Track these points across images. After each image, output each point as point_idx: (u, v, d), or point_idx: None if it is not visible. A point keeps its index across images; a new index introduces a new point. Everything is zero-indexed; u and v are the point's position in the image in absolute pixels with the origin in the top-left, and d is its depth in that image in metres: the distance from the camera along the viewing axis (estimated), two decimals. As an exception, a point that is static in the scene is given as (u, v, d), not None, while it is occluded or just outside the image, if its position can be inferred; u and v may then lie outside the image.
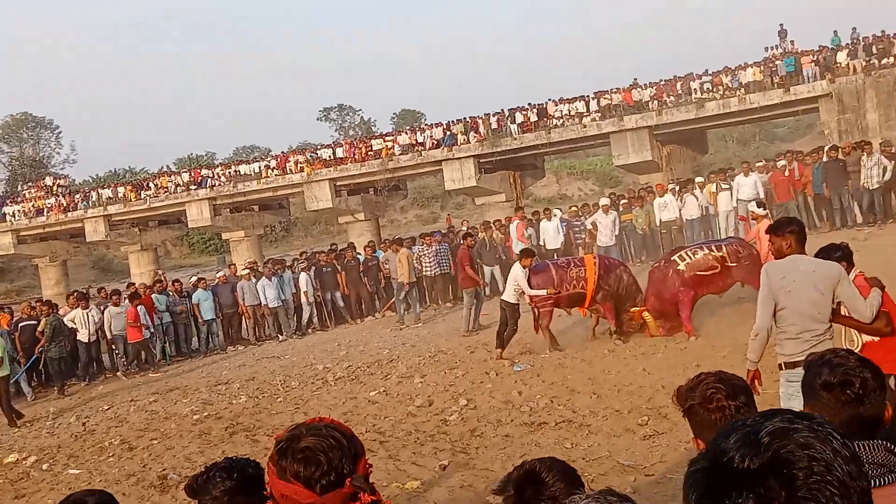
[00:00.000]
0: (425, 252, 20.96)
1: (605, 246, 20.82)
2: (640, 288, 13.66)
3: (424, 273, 20.93)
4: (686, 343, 12.37)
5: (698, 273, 12.86)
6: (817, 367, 2.49)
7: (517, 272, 13.69)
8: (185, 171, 53.29)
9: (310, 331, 20.76)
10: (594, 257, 14.30)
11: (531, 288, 13.41)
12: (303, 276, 20.69)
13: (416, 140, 42.33)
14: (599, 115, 36.88)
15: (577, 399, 10.47)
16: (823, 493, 1.12)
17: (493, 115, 39.85)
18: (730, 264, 12.82)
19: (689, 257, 13.05)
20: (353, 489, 2.14)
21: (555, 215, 22.46)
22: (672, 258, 13.34)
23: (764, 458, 1.15)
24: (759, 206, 14.28)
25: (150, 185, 51.03)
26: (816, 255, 5.90)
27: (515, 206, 37.02)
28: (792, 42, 36.34)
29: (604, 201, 22.46)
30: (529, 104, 39.66)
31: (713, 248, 13.20)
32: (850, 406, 2.32)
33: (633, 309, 13.36)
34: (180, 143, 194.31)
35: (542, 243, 21.69)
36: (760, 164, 22.47)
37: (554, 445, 8.69)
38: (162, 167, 70.67)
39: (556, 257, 20.10)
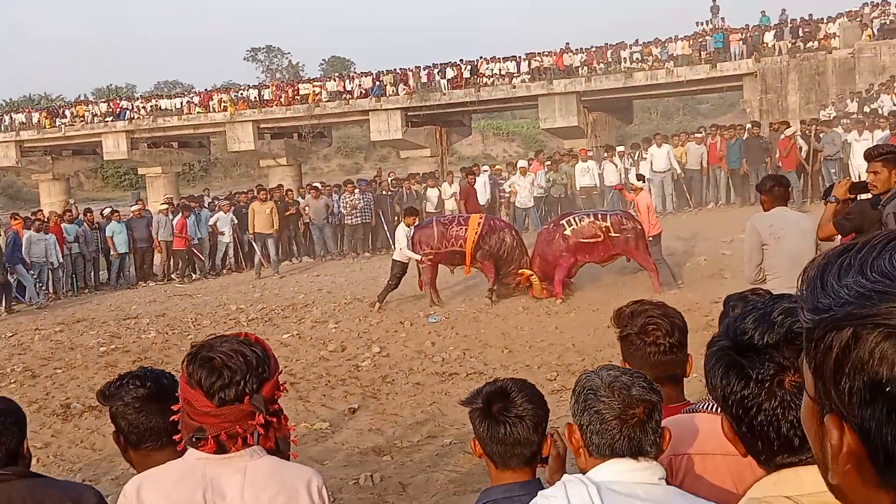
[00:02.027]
0: (347, 200, 20.83)
1: (524, 207, 21.02)
2: (526, 251, 13.82)
3: (345, 222, 20.84)
4: (598, 305, 12.59)
5: (581, 240, 13.07)
6: (734, 301, 2.64)
7: (400, 232, 13.93)
8: (104, 102, 51.68)
9: (224, 271, 20.49)
10: (480, 217, 14.39)
11: (410, 247, 13.59)
12: (221, 216, 20.34)
13: (344, 88, 41.80)
14: (529, 77, 36.98)
15: (489, 352, 10.62)
16: None
17: (424, 69, 39.60)
18: (612, 234, 12.98)
19: (576, 223, 13.24)
20: (252, 408, 2.15)
21: (483, 172, 22.51)
22: (560, 222, 13.56)
23: (779, 333, 1.29)
24: (637, 179, 14.55)
25: (67, 112, 49.36)
26: None
27: (440, 162, 37.05)
28: (723, 19, 36.97)
29: (521, 163, 22.60)
30: (461, 60, 39.53)
31: (599, 216, 13.40)
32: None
33: (519, 270, 13.52)
34: (100, 73, 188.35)
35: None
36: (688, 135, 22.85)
37: (464, 395, 8.77)
38: (79, 96, 68.66)
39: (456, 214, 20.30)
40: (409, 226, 13.81)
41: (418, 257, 13.56)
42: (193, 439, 2.20)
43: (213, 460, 2.19)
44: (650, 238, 13.22)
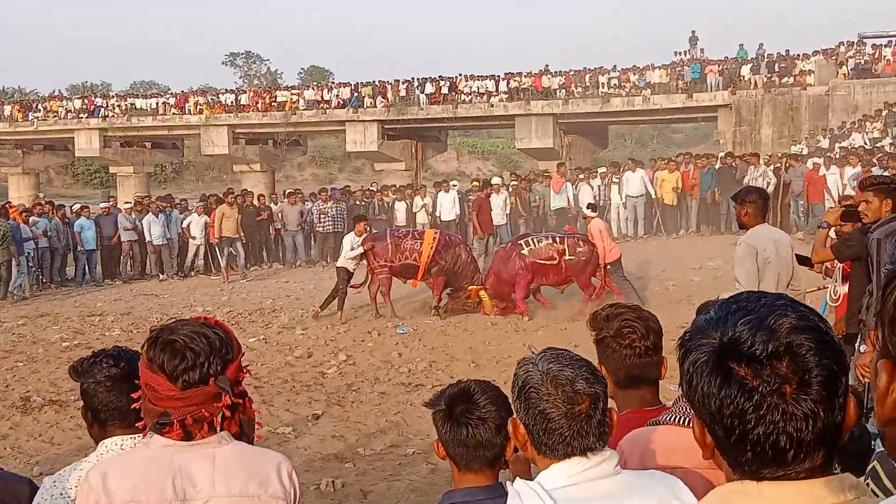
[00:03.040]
0: (321, 208, 20.81)
1: (497, 225, 21.07)
2: (479, 268, 13.99)
3: (316, 229, 20.81)
4: (567, 324, 12.64)
5: (537, 261, 13.17)
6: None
7: (347, 238, 14.08)
8: (78, 98, 51.26)
9: (192, 273, 20.33)
10: (435, 232, 14.48)
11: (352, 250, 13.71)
12: (194, 217, 20.20)
13: (322, 97, 41.77)
14: (507, 96, 37.19)
15: (455, 366, 10.62)
16: (827, 366, 1.25)
17: (403, 83, 39.67)
18: (567, 258, 13.10)
19: (534, 244, 13.36)
20: (217, 389, 2.12)
21: (453, 187, 22.57)
22: (518, 241, 13.66)
23: (781, 342, 1.25)
24: (588, 208, 14.74)
25: (40, 107, 48.91)
26: None
27: (414, 177, 37.09)
28: (701, 50, 37.41)
29: (495, 180, 22.66)
30: (441, 76, 39.64)
31: (556, 239, 13.53)
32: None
33: (470, 287, 13.58)
34: (75, 70, 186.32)
35: (437, 214, 21.78)
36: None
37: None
38: (54, 91, 67.96)
39: (448, 229, 20.35)
40: (358, 234, 13.82)
41: (357, 252, 13.59)
42: (158, 425, 2.16)
43: (181, 447, 2.16)
44: (608, 265, 13.33)
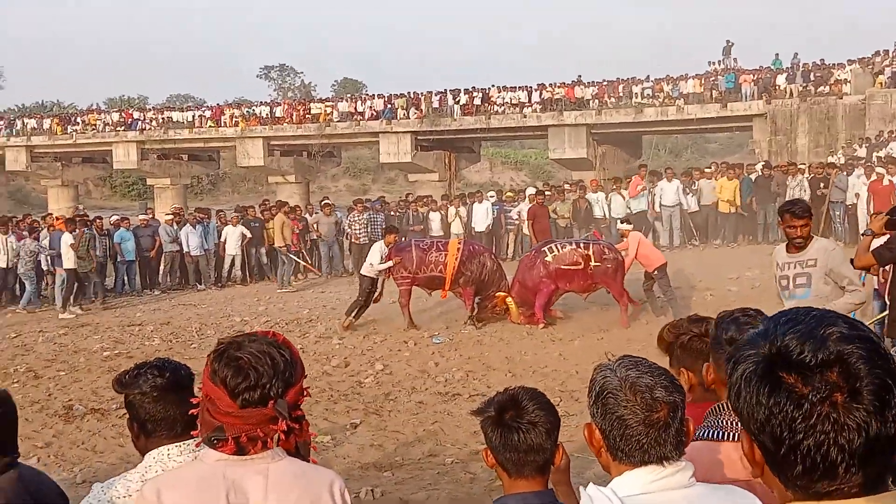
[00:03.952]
0: (356, 219, 20.89)
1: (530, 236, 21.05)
2: (505, 275, 13.90)
3: (353, 240, 20.83)
4: (603, 333, 12.61)
5: (562, 266, 13.10)
6: (725, 324, 2.60)
7: (375, 247, 14.10)
8: (116, 111, 52.00)
9: (230, 283, 20.50)
10: (459, 242, 14.47)
11: (382, 262, 13.71)
12: (230, 228, 20.40)
13: (355, 109, 42.06)
14: (541, 107, 37.18)
15: (492, 375, 10.62)
16: (879, 376, 1.23)
17: (436, 94, 39.81)
18: (593, 264, 13.01)
19: (557, 250, 13.31)
20: (274, 413, 2.10)
21: (488, 198, 22.58)
22: (542, 248, 13.61)
23: (832, 351, 1.23)
24: (622, 223, 14.70)
25: (78, 120, 49.67)
26: None
27: (448, 187, 37.16)
28: (735, 59, 37.15)
29: (530, 191, 22.65)
30: (473, 87, 39.74)
31: (581, 245, 13.49)
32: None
33: (497, 294, 13.55)
34: (113, 84, 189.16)
35: (472, 224, 21.80)
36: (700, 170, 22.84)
37: (466, 416, 8.78)
38: (92, 104, 68.88)
39: (482, 239, 20.42)
40: (387, 245, 13.86)
41: (386, 266, 13.63)
42: (212, 439, 2.15)
43: (234, 461, 2.14)
44: (654, 271, 13.27)
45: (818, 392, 1.22)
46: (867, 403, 1.20)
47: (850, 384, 1.21)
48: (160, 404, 2.63)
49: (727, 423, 2.47)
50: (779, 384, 1.25)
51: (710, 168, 22.14)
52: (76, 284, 17.08)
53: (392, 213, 22.07)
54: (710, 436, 2.48)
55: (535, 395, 2.53)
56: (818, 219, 19.33)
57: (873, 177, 18.19)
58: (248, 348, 2.14)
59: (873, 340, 1.25)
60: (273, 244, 20.20)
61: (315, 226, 21.23)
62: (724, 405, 2.47)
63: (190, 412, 2.51)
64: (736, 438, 2.34)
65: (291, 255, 19.58)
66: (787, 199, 19.55)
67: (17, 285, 18.31)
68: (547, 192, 22.46)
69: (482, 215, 21.78)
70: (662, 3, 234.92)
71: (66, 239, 16.86)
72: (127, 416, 2.73)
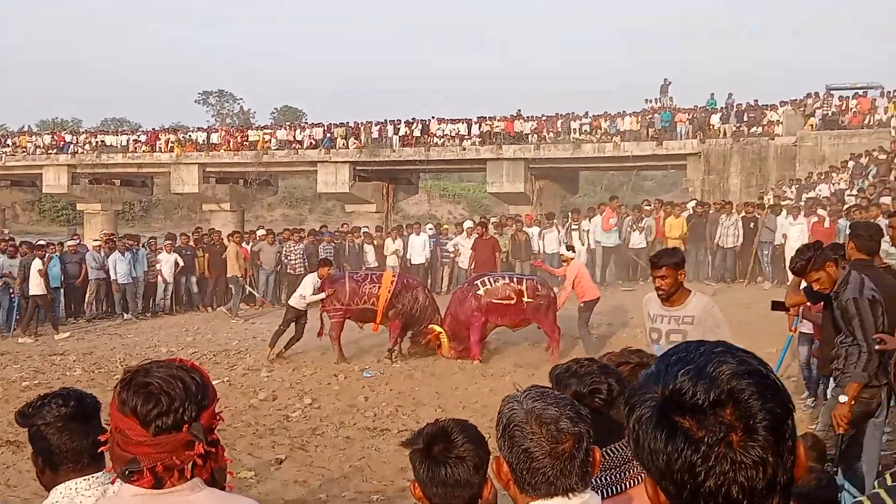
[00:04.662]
0: (293, 249, 20.67)
1: (468, 268, 21.00)
2: (438, 310, 13.85)
3: (288, 270, 20.55)
4: (534, 369, 12.57)
5: (494, 300, 13.11)
6: (566, 378, 2.53)
7: (308, 280, 14.01)
8: (48, 134, 51.01)
9: (159, 313, 20.07)
10: (393, 275, 14.45)
11: (314, 293, 13.65)
12: (165, 255, 20.05)
13: (294, 137, 41.85)
14: (479, 140, 37.42)
15: (421, 410, 10.51)
16: (772, 410, 1.24)
17: (376, 124, 39.81)
18: (525, 299, 13.00)
19: (490, 284, 13.32)
20: (190, 437, 2.02)
21: (425, 231, 22.54)
22: (475, 282, 13.61)
23: (723, 390, 1.23)
24: (567, 249, 14.78)
25: (9, 142, 48.59)
26: None
27: (384, 219, 37.10)
28: (671, 98, 37.87)
29: (468, 224, 22.67)
30: (413, 118, 39.85)
31: (515, 280, 13.52)
32: (601, 412, 2.39)
33: (430, 327, 13.52)
34: (46, 106, 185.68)
35: (408, 256, 21.72)
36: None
37: (394, 452, 8.67)
38: (23, 126, 67.47)
39: (418, 272, 20.38)
40: (320, 277, 13.75)
41: (318, 297, 13.52)
42: (126, 472, 2.04)
43: (152, 496, 2.04)
44: (581, 304, 13.32)
45: (714, 434, 1.22)
46: (762, 440, 1.22)
47: (744, 422, 1.22)
48: (65, 435, 2.54)
49: (627, 471, 2.42)
50: (675, 429, 1.24)
51: (650, 206, 22.31)
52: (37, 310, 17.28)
53: (326, 244, 21.86)
54: (614, 491, 2.42)
55: (465, 427, 2.48)
56: (747, 259, 19.71)
57: (814, 218, 18.53)
58: (156, 374, 2.04)
59: (762, 374, 1.26)
60: (204, 273, 20.09)
61: (258, 254, 20.95)
62: (619, 447, 2.40)
63: (99, 445, 2.41)
64: (639, 481, 2.32)
65: (245, 285, 19.43)
66: (717, 237, 19.95)
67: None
68: (492, 222, 22.47)
69: (419, 247, 21.72)
70: (604, 40, 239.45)
71: (37, 264, 17.04)
72: (31, 451, 2.62)
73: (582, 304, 13.32)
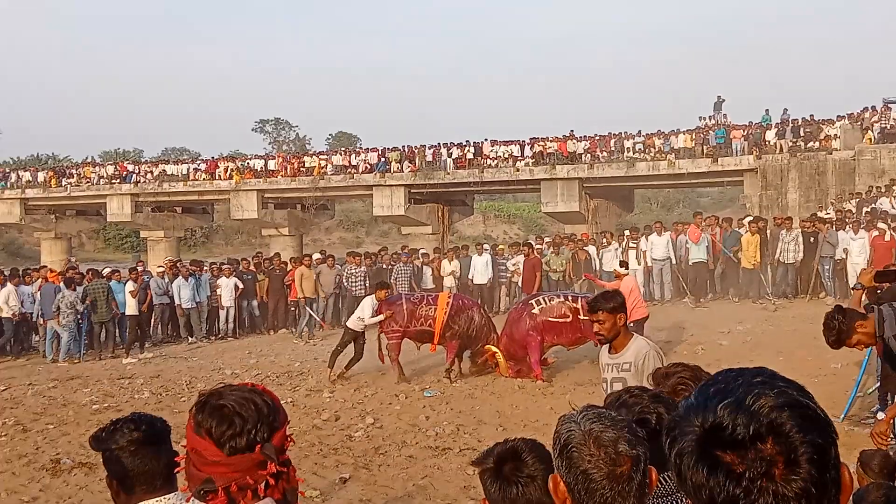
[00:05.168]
0: (353, 272, 20.88)
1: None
2: (494, 329, 13.90)
3: (351, 293, 20.70)
4: (595, 388, 12.57)
5: (549, 319, 13.07)
6: (616, 408, 2.55)
7: (367, 302, 14.16)
8: (111, 164, 52.30)
9: (223, 337, 20.42)
10: (448, 296, 14.51)
11: (372, 316, 13.80)
12: (224, 280, 20.45)
13: (349, 162, 42.38)
14: (533, 160, 37.49)
15: (483, 429, 10.57)
16: (812, 441, 1.24)
17: (430, 148, 40.13)
18: (581, 317, 12.80)
19: (545, 303, 13.30)
20: (263, 457, 2.11)
21: (486, 251, 22.68)
22: (530, 301, 13.60)
23: (762, 423, 1.24)
24: (621, 266, 14.76)
25: (73, 173, 49.92)
26: None
27: (441, 240, 37.29)
28: (725, 115, 37.55)
29: (536, 245, 22.75)
30: (466, 141, 40.11)
31: (570, 298, 13.49)
32: (651, 440, 2.31)
33: (485, 347, 13.58)
34: (109, 137, 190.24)
35: (470, 277, 21.83)
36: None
37: (457, 471, 8.77)
38: (87, 157, 69.26)
39: (481, 292, 20.59)
40: (379, 299, 13.93)
41: (377, 320, 13.69)
42: (201, 492, 2.13)
43: None
44: (631, 323, 13.27)
45: (756, 468, 1.23)
46: (804, 472, 1.22)
47: (785, 455, 1.23)
48: (138, 458, 2.62)
49: (679, 500, 2.46)
50: (716, 464, 1.26)
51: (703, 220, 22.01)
52: (137, 332, 18.38)
53: (385, 266, 22.07)
54: None
55: (535, 447, 2.52)
56: (808, 274, 19.39)
57: (875, 232, 18.24)
58: (229, 396, 2.15)
59: (803, 404, 1.27)
60: (263, 297, 20.85)
61: (318, 277, 21.20)
62: (667, 478, 2.42)
63: (173, 467, 2.52)
64: None
65: (310, 310, 19.72)
66: (778, 252, 19.67)
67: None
68: (538, 245, 22.54)
69: (482, 267, 21.81)
70: (655, 58, 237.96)
71: (129, 286, 18.54)
72: (106, 474, 2.72)
73: (632, 324, 13.26)
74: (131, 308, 18.34)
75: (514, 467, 2.45)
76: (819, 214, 23.83)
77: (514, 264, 21.62)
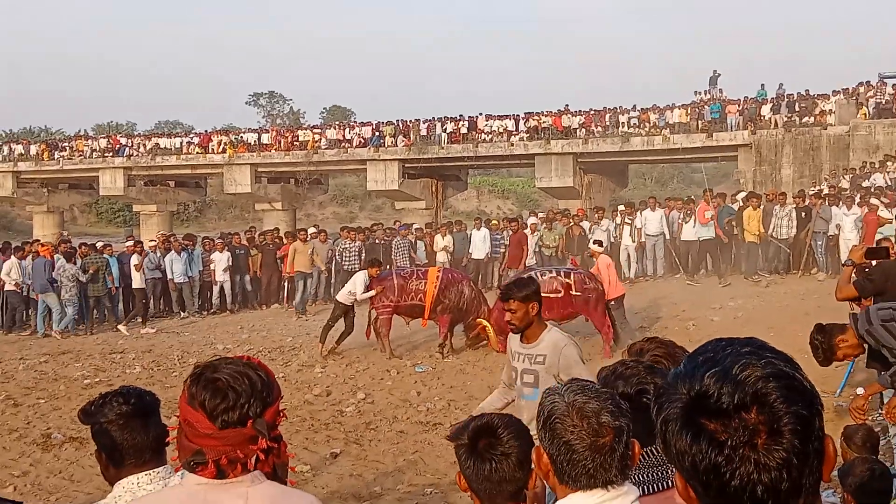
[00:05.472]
0: (347, 247, 20.80)
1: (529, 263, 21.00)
2: (486, 302, 13.94)
3: (343, 267, 20.67)
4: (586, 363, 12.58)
5: (541, 294, 12.98)
6: (612, 381, 2.56)
7: (359, 278, 14.12)
8: (104, 137, 52.02)
9: (215, 311, 20.39)
10: (438, 271, 14.52)
11: (364, 292, 13.81)
12: (218, 254, 20.39)
13: (343, 136, 42.20)
14: (527, 135, 37.38)
15: (473, 404, 10.48)
16: (797, 413, 1.25)
17: (424, 122, 40.00)
18: (573, 292, 12.98)
19: (537, 277, 13.27)
20: (254, 432, 2.11)
21: (484, 225, 22.64)
22: (521, 276, 13.54)
23: (747, 393, 1.25)
24: (594, 244, 14.74)
25: (66, 146, 49.67)
26: None
27: (434, 215, 37.24)
28: (721, 90, 37.47)
29: (532, 220, 22.70)
30: (461, 115, 39.97)
31: (562, 273, 13.48)
32: (644, 412, 2.42)
33: (476, 321, 13.60)
34: (101, 109, 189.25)
35: (469, 251, 21.79)
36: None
37: (447, 446, 8.76)
38: (80, 130, 68.90)
39: (478, 267, 20.74)
40: (371, 276, 13.94)
41: (368, 295, 13.70)
42: (191, 463, 2.13)
43: (214, 486, 2.12)
44: (611, 301, 13.30)
45: (739, 437, 1.24)
46: (787, 443, 1.23)
47: (769, 425, 1.23)
48: (126, 432, 2.63)
49: (669, 468, 2.45)
50: (700, 431, 1.27)
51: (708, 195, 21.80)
52: (143, 303, 18.51)
53: (378, 241, 21.99)
54: (657, 489, 2.47)
55: (510, 422, 2.52)
56: (800, 249, 19.35)
57: (867, 209, 18.11)
58: (224, 370, 2.14)
59: (789, 375, 1.27)
60: (257, 272, 20.76)
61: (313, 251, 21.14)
62: (656, 450, 2.43)
63: (162, 440, 2.50)
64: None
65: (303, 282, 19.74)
66: (771, 228, 19.59)
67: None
68: (539, 217, 22.60)
69: (479, 242, 21.76)
70: (650, 32, 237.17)
71: (134, 259, 18.67)
72: (95, 447, 2.72)
73: (612, 302, 13.29)
74: (137, 281, 18.51)
75: (488, 444, 2.45)
76: (813, 190, 23.78)
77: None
